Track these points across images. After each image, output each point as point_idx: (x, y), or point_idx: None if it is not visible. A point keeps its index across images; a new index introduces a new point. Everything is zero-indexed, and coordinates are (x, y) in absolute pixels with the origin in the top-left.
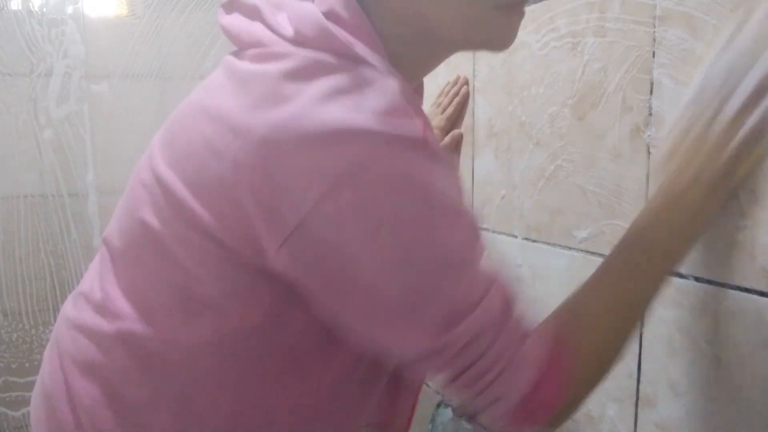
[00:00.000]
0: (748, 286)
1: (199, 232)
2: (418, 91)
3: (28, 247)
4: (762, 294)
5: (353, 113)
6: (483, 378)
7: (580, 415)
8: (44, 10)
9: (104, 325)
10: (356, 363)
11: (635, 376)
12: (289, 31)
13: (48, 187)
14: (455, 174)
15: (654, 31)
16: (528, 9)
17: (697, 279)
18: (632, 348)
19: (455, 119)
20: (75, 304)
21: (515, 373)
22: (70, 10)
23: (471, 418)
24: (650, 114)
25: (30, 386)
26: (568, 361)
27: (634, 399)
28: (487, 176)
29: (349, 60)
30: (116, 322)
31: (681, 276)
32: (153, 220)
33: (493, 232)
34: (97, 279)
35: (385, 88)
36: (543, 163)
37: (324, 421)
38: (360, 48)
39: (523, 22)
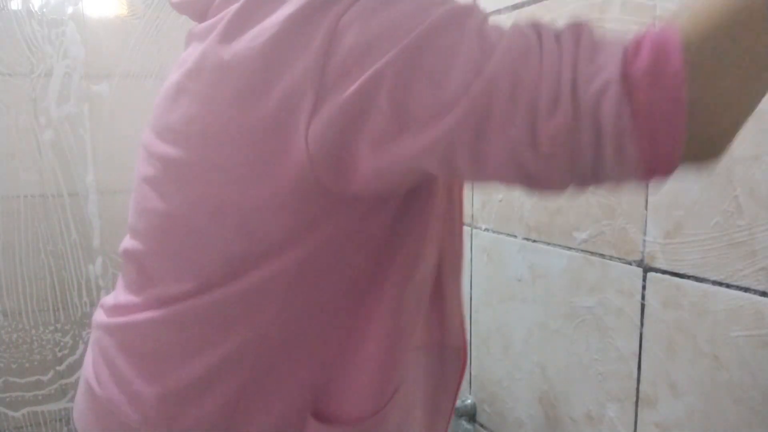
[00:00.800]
0: (748, 286)
1: (237, 162)
2: None
3: (28, 248)
4: (762, 294)
5: None
6: (558, 103)
7: (580, 415)
8: (44, 10)
9: (159, 310)
10: (404, 282)
11: (635, 376)
12: None
13: (48, 187)
14: None
15: None
16: (528, 9)
17: (697, 279)
18: (632, 348)
19: None
20: (114, 311)
21: (591, 70)
22: (70, 10)
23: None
24: None
25: (30, 386)
26: (670, 31)
27: (634, 399)
28: None
29: None
30: (176, 302)
31: (681, 276)
32: (182, 190)
33: (493, 232)
34: (134, 289)
35: None
36: None
37: (377, 345)
38: None
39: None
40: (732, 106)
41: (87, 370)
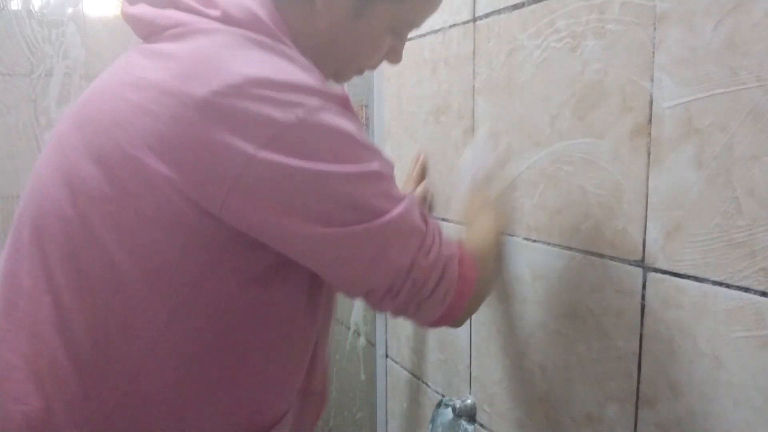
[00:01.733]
0: (748, 285)
1: (155, 190)
2: None
3: None
4: (762, 294)
5: (292, 75)
6: (430, 296)
7: (580, 415)
8: (44, 11)
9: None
10: (300, 334)
11: (635, 376)
12: (215, 12)
13: None
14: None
15: (654, 32)
16: (528, 9)
17: (697, 279)
18: (632, 348)
19: (418, 179)
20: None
21: (448, 286)
22: (70, 11)
23: (407, 317)
24: (650, 114)
25: None
26: (475, 275)
27: (634, 399)
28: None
29: (277, 41)
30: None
31: (681, 276)
32: (80, 209)
33: None
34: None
35: (311, 66)
36: (543, 163)
37: (270, 390)
38: (283, 38)
39: (524, 23)
40: (482, 298)
41: None
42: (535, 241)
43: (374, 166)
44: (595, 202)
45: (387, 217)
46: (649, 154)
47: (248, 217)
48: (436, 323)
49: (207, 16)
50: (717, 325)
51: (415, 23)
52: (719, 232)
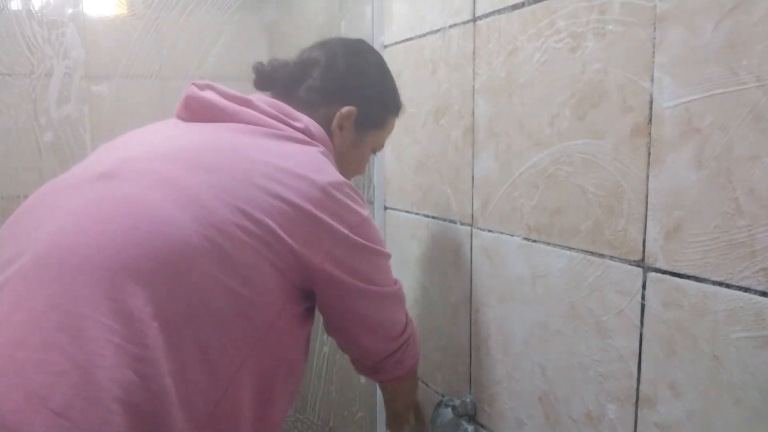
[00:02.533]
0: (748, 285)
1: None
2: None
3: None
4: (762, 294)
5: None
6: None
7: (580, 415)
8: (44, 11)
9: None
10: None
11: (635, 376)
12: (300, 125)
13: None
14: None
15: (654, 32)
16: (528, 9)
17: (697, 279)
18: (632, 348)
19: None
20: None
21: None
22: (70, 11)
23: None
24: (650, 114)
25: None
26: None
27: (634, 399)
28: (487, 176)
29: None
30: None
31: (681, 276)
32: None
33: (493, 232)
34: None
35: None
36: (543, 163)
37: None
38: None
39: (524, 23)
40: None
41: None
42: (535, 241)
43: (387, 250)
44: (595, 202)
45: (398, 284)
46: (649, 154)
47: (325, 274)
48: (399, 376)
49: (294, 127)
50: (717, 325)
51: (383, 144)
52: (719, 232)
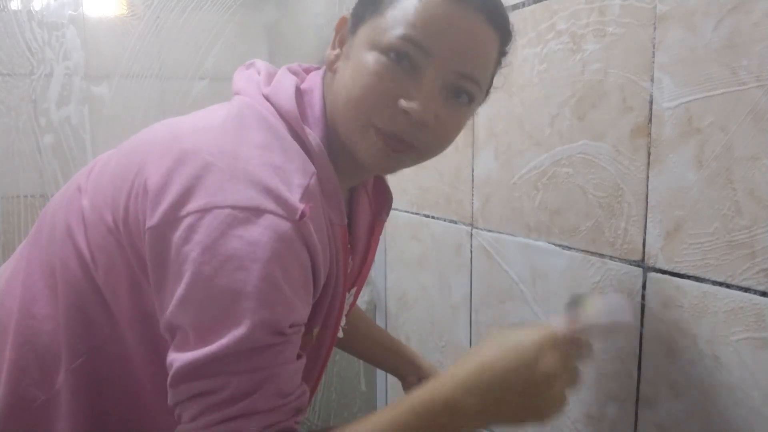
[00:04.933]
0: (748, 286)
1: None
2: (358, 192)
3: None
4: (762, 294)
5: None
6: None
7: (580, 415)
8: (44, 13)
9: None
10: None
11: (635, 376)
12: (264, 91)
13: (48, 187)
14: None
15: (654, 32)
16: (528, 10)
17: (697, 279)
18: (632, 348)
19: None
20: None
21: None
22: (70, 12)
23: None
24: (650, 114)
25: None
26: None
27: (634, 399)
28: (487, 176)
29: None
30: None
31: (681, 276)
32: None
33: (493, 232)
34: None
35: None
36: (543, 163)
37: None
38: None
39: (524, 23)
40: None
41: None
42: (535, 241)
43: None
44: (595, 202)
45: None
46: (649, 154)
47: None
48: None
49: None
50: (717, 325)
51: (413, 39)
52: (719, 233)
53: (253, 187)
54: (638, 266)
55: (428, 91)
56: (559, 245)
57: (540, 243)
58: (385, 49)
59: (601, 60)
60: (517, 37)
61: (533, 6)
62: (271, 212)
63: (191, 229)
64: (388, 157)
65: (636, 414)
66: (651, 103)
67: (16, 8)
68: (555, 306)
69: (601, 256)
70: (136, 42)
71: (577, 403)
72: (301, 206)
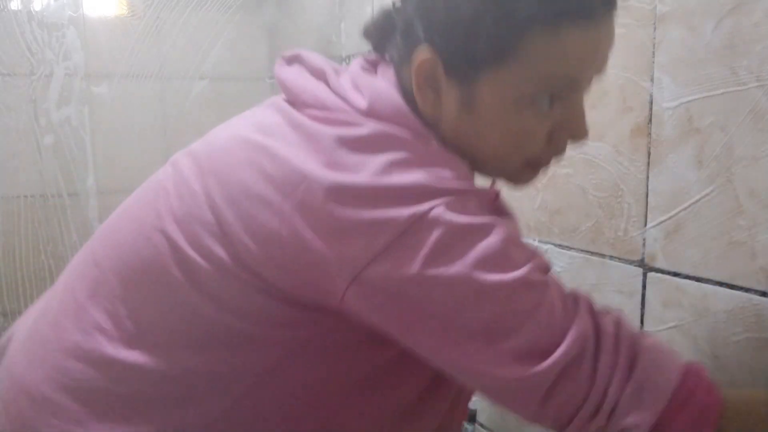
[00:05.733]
0: (748, 286)
1: (247, 268)
2: None
3: (28, 248)
4: (762, 294)
5: (419, 177)
6: (596, 415)
7: None
8: (44, 14)
9: (120, 354)
10: (416, 391)
11: None
12: (362, 104)
13: (48, 187)
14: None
15: (654, 32)
16: None
17: (697, 279)
18: None
19: None
20: (81, 329)
21: (633, 402)
22: (70, 12)
23: None
24: (650, 114)
25: None
26: (708, 397)
27: None
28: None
29: (419, 137)
30: (132, 351)
31: (681, 276)
32: (188, 250)
33: None
34: (102, 303)
35: (455, 161)
36: None
37: None
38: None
39: None
40: None
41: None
42: (535, 241)
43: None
44: (595, 202)
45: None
46: (649, 154)
47: None
48: None
49: (352, 106)
50: (717, 325)
51: (565, 76)
52: (719, 232)
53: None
54: (638, 266)
55: (581, 112)
56: (559, 245)
57: (540, 243)
58: (535, 99)
59: None
60: None
61: None
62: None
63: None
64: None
65: None
66: (651, 103)
67: (16, 8)
68: None
69: (601, 256)
70: (136, 42)
71: None
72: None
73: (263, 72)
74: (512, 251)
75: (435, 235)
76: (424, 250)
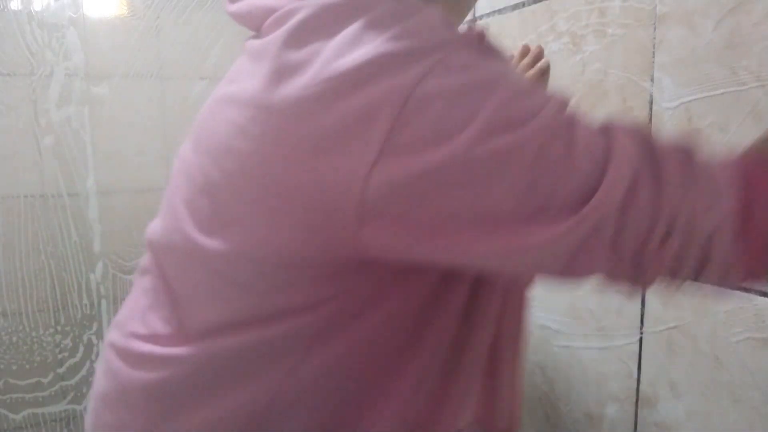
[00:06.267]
0: (748, 286)
1: (257, 246)
2: None
3: (28, 249)
4: (762, 294)
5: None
6: (673, 236)
7: (580, 414)
8: (44, 14)
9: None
10: (445, 353)
11: (635, 376)
12: None
13: (48, 187)
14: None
15: (654, 32)
16: (529, 10)
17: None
18: (632, 348)
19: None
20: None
21: (705, 201)
22: (70, 13)
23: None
24: (650, 114)
25: (30, 388)
26: None
27: (634, 399)
28: None
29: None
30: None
31: None
32: (201, 239)
33: None
34: (160, 311)
35: (427, 15)
36: None
37: (425, 421)
38: None
39: (524, 24)
40: None
41: (97, 390)
42: None
43: None
44: None
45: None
46: None
47: None
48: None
49: None
50: (717, 325)
51: None
52: None
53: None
54: None
55: None
56: None
57: None
58: None
59: (601, 60)
60: (518, 38)
61: (533, 6)
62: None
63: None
64: None
65: (636, 414)
66: (651, 103)
67: (16, 9)
68: (555, 306)
69: None
70: (136, 42)
71: (577, 403)
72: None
73: None
74: (524, 101)
75: (432, 110)
76: (426, 134)
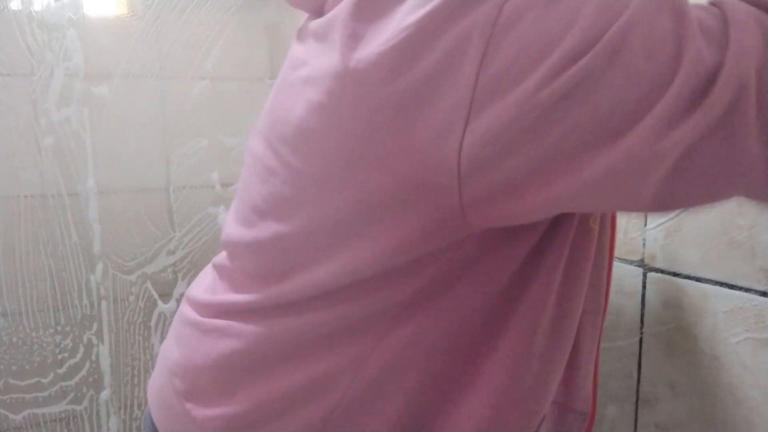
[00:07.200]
0: (748, 286)
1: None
2: None
3: (28, 249)
4: (762, 294)
5: None
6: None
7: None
8: (44, 14)
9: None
10: (535, 337)
11: (635, 376)
12: None
13: (48, 187)
14: None
15: None
16: None
17: (697, 279)
18: (632, 348)
19: None
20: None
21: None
22: (70, 14)
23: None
24: None
25: (30, 388)
26: None
27: (634, 399)
28: None
29: None
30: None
31: (681, 276)
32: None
33: None
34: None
35: None
36: None
37: (489, 394)
38: None
39: None
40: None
41: (169, 358)
42: None
43: None
44: None
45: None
46: None
47: None
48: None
49: None
50: (717, 325)
51: None
52: (719, 232)
53: None
54: (638, 266)
55: None
56: None
57: None
58: None
59: None
60: None
61: None
62: None
63: None
64: None
65: (636, 414)
66: None
67: (16, 9)
68: None
69: None
70: (136, 42)
71: None
72: None
73: (263, 72)
74: None
75: (522, 30)
76: (520, 56)
